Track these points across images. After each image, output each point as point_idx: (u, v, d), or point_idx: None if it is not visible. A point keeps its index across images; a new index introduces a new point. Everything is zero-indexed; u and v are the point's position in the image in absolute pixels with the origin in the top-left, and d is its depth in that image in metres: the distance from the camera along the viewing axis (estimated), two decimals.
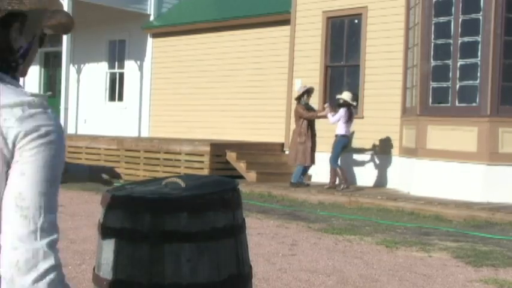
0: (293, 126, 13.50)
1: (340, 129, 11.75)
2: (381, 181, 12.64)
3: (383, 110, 12.54)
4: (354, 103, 11.97)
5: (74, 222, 7.99)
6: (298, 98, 12.04)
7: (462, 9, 10.84)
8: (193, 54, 16.45)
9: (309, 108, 12.07)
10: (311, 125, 12.01)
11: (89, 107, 18.92)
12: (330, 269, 5.99)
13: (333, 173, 11.85)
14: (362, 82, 13.03)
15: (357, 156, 12.84)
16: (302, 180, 12.10)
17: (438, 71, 11.19)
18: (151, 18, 17.77)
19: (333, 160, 11.79)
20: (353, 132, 12.50)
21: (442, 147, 10.93)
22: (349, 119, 11.79)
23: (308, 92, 12.09)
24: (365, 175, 12.72)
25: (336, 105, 12.00)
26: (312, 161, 12.00)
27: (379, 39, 12.77)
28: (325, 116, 11.89)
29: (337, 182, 11.83)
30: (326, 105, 12.18)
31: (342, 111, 11.72)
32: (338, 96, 11.99)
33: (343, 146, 11.88)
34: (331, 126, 11.93)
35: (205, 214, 2.61)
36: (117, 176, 2.68)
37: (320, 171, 12.60)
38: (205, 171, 12.61)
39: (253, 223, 8.30)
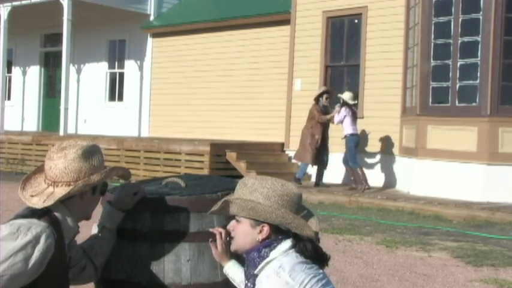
0: (293, 126, 13.50)
1: (348, 128, 11.69)
2: (381, 181, 12.63)
3: (383, 110, 12.54)
4: (353, 102, 11.87)
5: None
6: (316, 99, 11.93)
7: (462, 9, 10.84)
8: (193, 54, 16.44)
9: (326, 111, 11.95)
10: (324, 128, 11.90)
11: (89, 107, 18.92)
12: (330, 269, 5.97)
13: (353, 173, 11.81)
14: (362, 82, 13.03)
15: (356, 156, 12.83)
16: (301, 178, 12.05)
17: (438, 71, 11.18)
18: (151, 18, 17.75)
19: (352, 161, 11.73)
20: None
21: (442, 147, 10.93)
22: (353, 117, 11.75)
23: (327, 93, 12.00)
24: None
25: (340, 105, 11.92)
26: (316, 163, 11.95)
27: (379, 39, 12.77)
28: (333, 118, 11.83)
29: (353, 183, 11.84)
30: (337, 105, 11.98)
31: (342, 111, 11.69)
32: (339, 95, 11.96)
33: (356, 145, 11.86)
34: (338, 126, 11.90)
35: (205, 214, 2.61)
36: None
37: (333, 172, 12.50)
38: (205, 171, 12.61)
39: None
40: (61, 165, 2.42)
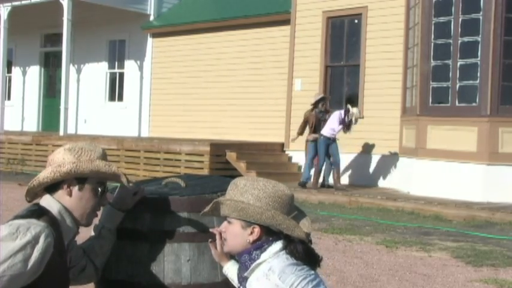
0: (293, 126, 13.50)
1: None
2: (381, 181, 12.63)
3: (383, 110, 12.54)
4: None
5: None
6: (314, 106, 11.91)
7: (462, 9, 10.84)
8: (193, 54, 16.44)
9: (322, 117, 11.93)
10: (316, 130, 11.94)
11: (89, 107, 18.92)
12: (330, 269, 5.99)
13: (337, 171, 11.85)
14: (362, 82, 13.03)
15: (356, 156, 12.84)
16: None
17: (438, 71, 11.19)
18: (151, 18, 17.76)
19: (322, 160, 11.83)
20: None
21: (442, 147, 10.93)
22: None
23: (324, 99, 11.99)
24: (365, 175, 12.71)
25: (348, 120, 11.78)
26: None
27: (379, 39, 12.77)
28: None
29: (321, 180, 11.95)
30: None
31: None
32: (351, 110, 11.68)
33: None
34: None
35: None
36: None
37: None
38: (205, 171, 12.61)
39: None
40: (50, 157, 2.47)
